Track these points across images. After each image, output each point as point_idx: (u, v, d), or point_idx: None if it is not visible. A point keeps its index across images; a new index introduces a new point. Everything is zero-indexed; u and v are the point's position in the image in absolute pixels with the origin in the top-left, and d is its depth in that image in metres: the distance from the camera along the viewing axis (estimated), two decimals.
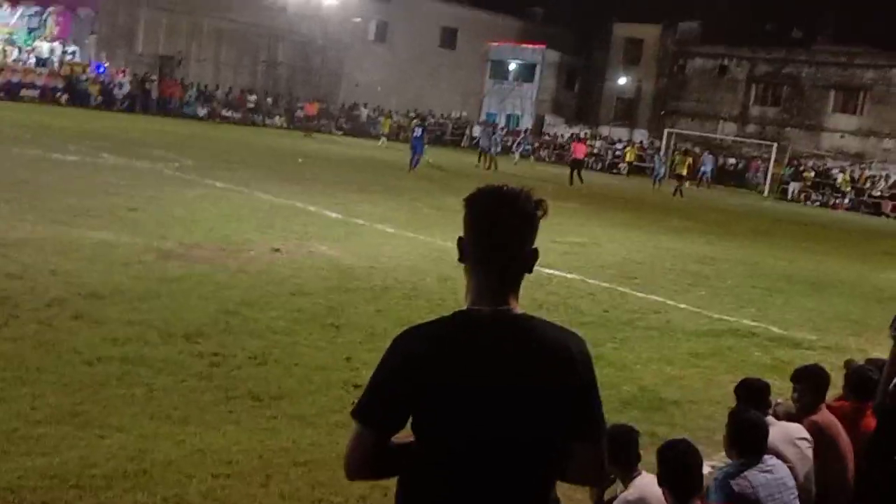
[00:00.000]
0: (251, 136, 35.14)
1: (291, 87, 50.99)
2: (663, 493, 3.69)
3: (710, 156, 42.28)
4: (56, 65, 40.76)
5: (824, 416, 4.86)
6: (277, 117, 47.11)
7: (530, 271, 2.22)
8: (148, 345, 6.63)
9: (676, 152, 40.97)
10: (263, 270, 9.82)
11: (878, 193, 40.02)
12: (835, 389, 5.51)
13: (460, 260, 2.24)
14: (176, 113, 42.36)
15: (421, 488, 2.19)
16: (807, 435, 4.61)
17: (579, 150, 33.35)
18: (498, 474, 2.13)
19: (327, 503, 4.50)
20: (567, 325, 2.33)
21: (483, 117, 56.31)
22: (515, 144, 42.14)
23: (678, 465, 3.68)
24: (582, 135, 38.58)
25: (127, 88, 41.87)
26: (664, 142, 47.08)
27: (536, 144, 51.23)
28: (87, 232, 10.70)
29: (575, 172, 30.95)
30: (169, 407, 5.48)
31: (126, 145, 23.04)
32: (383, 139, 41.76)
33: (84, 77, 40.50)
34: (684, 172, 34.35)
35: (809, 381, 4.96)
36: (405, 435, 2.21)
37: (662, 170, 36.38)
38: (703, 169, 40.62)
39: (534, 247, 2.21)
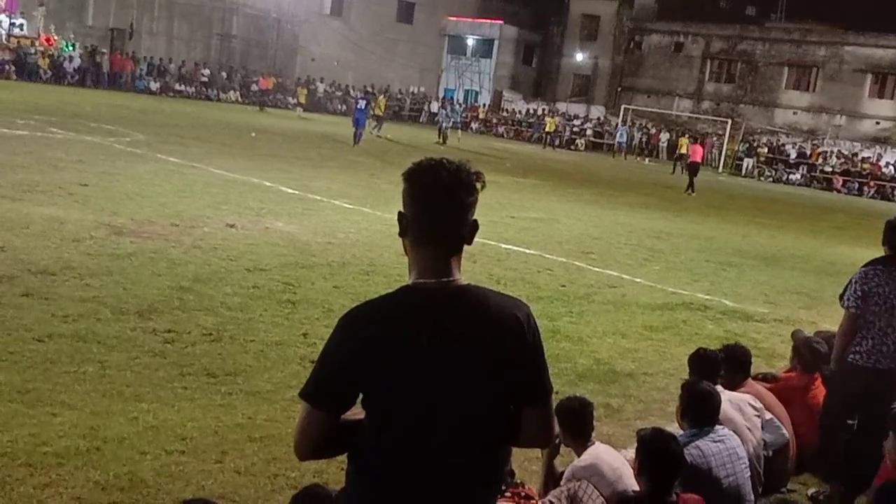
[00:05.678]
0: (205, 111, 34.63)
1: (246, 62, 50.29)
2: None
3: (624, 127, 45.86)
4: (3, 38, 39.67)
5: (751, 388, 5.02)
6: (232, 92, 46.46)
7: (470, 243, 2.22)
8: (100, 322, 6.52)
9: (677, 133, 41.79)
10: (218, 246, 9.70)
11: (830, 169, 40.68)
12: (784, 360, 5.63)
13: (401, 234, 2.23)
14: (128, 87, 41.59)
15: (374, 463, 2.18)
16: (756, 403, 4.70)
17: (697, 153, 28.55)
18: (452, 444, 2.14)
19: (283, 478, 4.48)
20: (525, 299, 2.33)
21: (441, 93, 56.06)
22: (444, 117, 37.31)
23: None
24: (696, 140, 33.92)
25: (77, 62, 40.96)
26: (620, 118, 47.45)
27: (495, 120, 51.06)
28: (36, 208, 10.48)
29: (692, 178, 26.72)
30: (121, 384, 5.41)
31: (76, 120, 22.56)
32: (299, 109, 41.81)
33: (33, 50, 39.50)
34: (684, 151, 34.65)
35: (730, 361, 5.10)
36: (355, 411, 2.19)
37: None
38: (618, 140, 44.47)
39: (474, 218, 2.21)
